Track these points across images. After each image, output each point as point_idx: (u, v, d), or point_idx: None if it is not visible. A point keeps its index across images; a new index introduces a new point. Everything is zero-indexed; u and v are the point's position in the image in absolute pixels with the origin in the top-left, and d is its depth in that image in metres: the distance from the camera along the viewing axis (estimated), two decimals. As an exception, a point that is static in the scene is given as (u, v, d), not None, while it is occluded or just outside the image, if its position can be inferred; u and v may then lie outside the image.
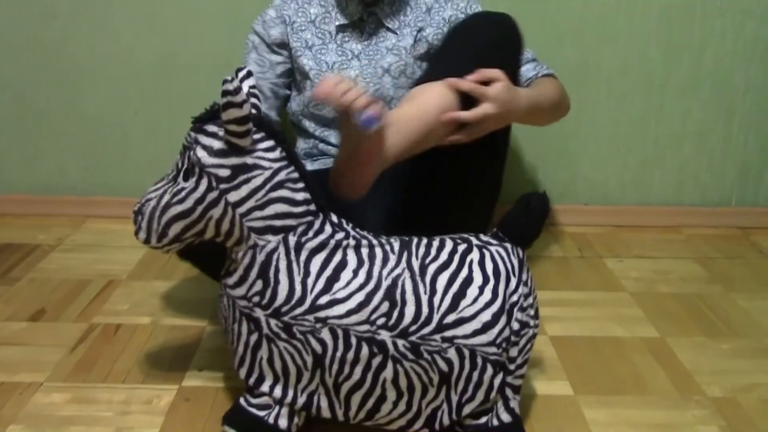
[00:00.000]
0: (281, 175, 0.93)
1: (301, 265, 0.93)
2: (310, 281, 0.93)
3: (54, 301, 1.41)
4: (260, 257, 0.93)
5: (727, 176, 1.90)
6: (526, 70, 1.34)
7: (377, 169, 1.02)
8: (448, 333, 0.92)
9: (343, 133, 1.02)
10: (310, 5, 1.40)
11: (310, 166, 1.41)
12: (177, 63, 1.80)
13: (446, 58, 1.15)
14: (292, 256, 0.93)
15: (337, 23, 1.38)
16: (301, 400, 0.97)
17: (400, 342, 0.92)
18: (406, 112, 1.04)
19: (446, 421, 0.97)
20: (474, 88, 1.07)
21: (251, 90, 0.98)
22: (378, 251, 0.95)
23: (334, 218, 0.98)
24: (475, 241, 0.98)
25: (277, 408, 0.98)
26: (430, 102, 1.05)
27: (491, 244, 0.97)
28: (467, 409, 0.96)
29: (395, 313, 0.92)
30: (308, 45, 1.38)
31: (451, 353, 0.93)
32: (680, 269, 1.64)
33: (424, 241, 0.98)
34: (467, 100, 1.08)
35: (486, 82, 1.09)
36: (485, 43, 1.15)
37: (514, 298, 0.95)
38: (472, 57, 1.12)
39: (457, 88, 1.06)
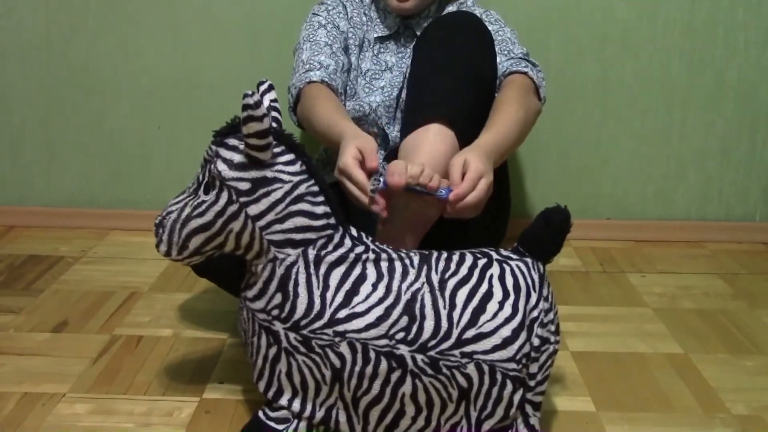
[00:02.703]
0: (301, 189, 0.93)
1: (321, 278, 0.93)
2: (329, 295, 0.93)
3: (77, 312, 1.42)
4: (280, 270, 0.94)
5: (752, 191, 1.87)
6: (502, 67, 1.31)
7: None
8: (468, 348, 0.92)
9: (399, 207, 1.05)
10: (360, 12, 1.44)
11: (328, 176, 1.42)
12: (200, 78, 1.81)
13: (436, 85, 1.16)
14: (312, 270, 0.94)
15: (375, 35, 1.40)
16: (320, 414, 0.97)
17: (419, 357, 0.92)
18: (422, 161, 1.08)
19: (465, 437, 0.96)
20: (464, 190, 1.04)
21: (272, 104, 0.99)
22: (397, 265, 0.95)
23: (354, 232, 0.98)
24: (495, 256, 0.97)
25: (295, 422, 0.98)
26: (440, 152, 1.09)
27: (511, 259, 0.97)
28: (487, 426, 0.96)
29: (414, 328, 0.92)
30: (355, 44, 1.41)
31: (471, 369, 0.92)
32: (704, 285, 1.62)
33: (444, 255, 0.97)
34: (463, 137, 1.11)
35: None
36: (460, 36, 1.17)
37: (535, 313, 0.94)
38: (456, 64, 1.15)
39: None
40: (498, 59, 1.30)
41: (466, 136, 1.10)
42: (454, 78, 1.14)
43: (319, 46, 1.35)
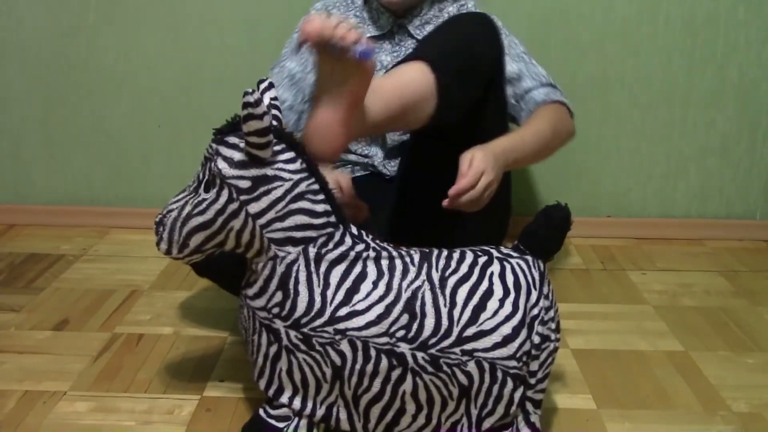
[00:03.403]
0: (301, 187, 0.93)
1: (321, 276, 0.93)
2: (329, 293, 0.93)
3: (77, 310, 1.43)
4: (280, 268, 0.94)
5: (752, 189, 1.87)
6: (538, 94, 1.35)
7: (356, 129, 0.99)
8: (468, 346, 0.92)
9: (325, 76, 0.97)
10: (351, 14, 1.43)
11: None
12: (200, 76, 1.81)
13: (430, 38, 1.15)
14: (312, 268, 0.94)
15: (368, 35, 1.39)
16: (320, 412, 0.97)
17: (420, 355, 0.92)
18: (387, 82, 1.04)
19: (466, 435, 0.97)
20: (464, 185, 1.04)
21: (272, 102, 0.99)
22: (398, 263, 0.95)
23: (354, 230, 0.98)
24: (495, 254, 0.97)
25: (296, 420, 0.98)
26: (410, 77, 1.05)
27: (512, 257, 0.97)
28: (487, 424, 0.96)
29: (415, 326, 0.92)
30: None
31: (471, 366, 0.92)
32: (704, 282, 1.62)
33: (445, 253, 0.97)
34: (444, 86, 1.07)
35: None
36: (465, 24, 1.16)
37: (535, 311, 0.94)
38: (453, 36, 1.13)
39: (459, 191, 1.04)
40: (527, 83, 1.35)
41: (452, 89, 1.08)
42: (443, 36, 1.13)
43: (283, 74, 1.39)
